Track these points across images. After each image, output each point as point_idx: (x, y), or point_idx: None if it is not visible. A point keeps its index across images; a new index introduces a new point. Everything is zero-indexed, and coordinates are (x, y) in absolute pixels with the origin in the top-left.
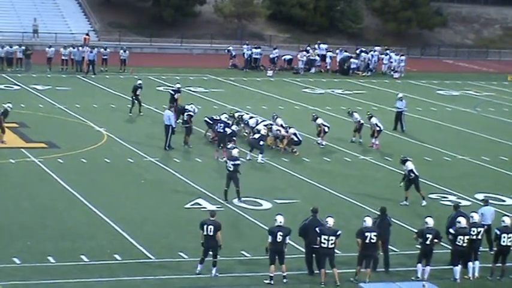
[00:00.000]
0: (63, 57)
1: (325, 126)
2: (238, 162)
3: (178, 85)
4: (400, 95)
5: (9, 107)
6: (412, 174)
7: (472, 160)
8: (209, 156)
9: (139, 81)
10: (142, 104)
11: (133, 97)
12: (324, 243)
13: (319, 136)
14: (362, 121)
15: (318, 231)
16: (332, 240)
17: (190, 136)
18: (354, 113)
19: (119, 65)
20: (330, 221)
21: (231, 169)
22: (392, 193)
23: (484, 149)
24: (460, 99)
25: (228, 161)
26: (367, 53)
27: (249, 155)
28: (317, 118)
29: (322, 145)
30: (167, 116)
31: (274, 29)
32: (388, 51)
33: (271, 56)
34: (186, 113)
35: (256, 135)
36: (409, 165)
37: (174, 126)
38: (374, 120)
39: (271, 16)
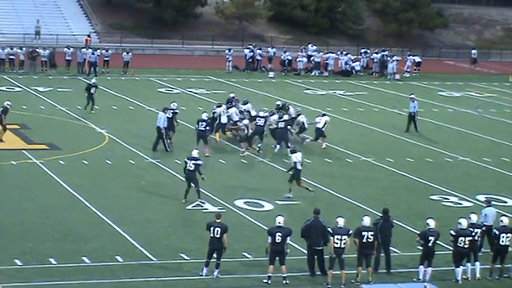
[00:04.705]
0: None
1: (305, 123)
2: (199, 162)
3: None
4: (412, 96)
5: (8, 104)
6: (297, 166)
7: (474, 161)
8: (210, 158)
9: (94, 80)
10: (96, 106)
11: (88, 95)
12: (337, 243)
13: (302, 133)
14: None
15: (331, 231)
16: (345, 240)
17: (173, 132)
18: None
19: (120, 66)
20: (341, 221)
21: (192, 169)
22: (393, 194)
23: (486, 150)
24: (461, 100)
25: (188, 161)
26: (377, 53)
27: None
28: (299, 115)
29: (306, 142)
30: (160, 118)
31: (276, 31)
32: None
33: (282, 57)
34: (170, 111)
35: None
36: (295, 157)
37: (166, 127)
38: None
39: (273, 17)
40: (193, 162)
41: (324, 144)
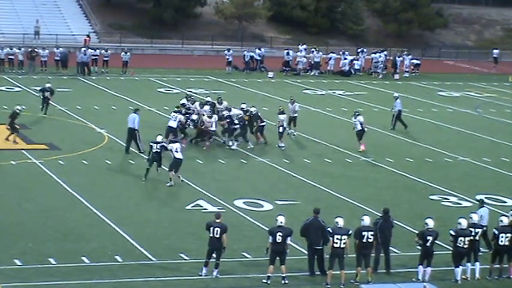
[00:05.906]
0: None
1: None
2: (164, 144)
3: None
4: (396, 94)
5: (17, 109)
6: (176, 156)
7: (473, 161)
8: (210, 158)
9: (48, 84)
10: (48, 111)
11: (43, 99)
12: (337, 243)
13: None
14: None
15: (331, 231)
16: (344, 239)
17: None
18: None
19: (119, 66)
20: (340, 221)
21: (158, 151)
22: (393, 194)
23: (485, 150)
24: (461, 100)
25: (153, 144)
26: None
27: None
28: (294, 102)
29: (290, 133)
30: (132, 119)
31: (275, 31)
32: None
33: (285, 59)
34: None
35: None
36: (175, 147)
37: (137, 128)
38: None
39: (272, 17)
40: (160, 145)
41: (362, 147)
